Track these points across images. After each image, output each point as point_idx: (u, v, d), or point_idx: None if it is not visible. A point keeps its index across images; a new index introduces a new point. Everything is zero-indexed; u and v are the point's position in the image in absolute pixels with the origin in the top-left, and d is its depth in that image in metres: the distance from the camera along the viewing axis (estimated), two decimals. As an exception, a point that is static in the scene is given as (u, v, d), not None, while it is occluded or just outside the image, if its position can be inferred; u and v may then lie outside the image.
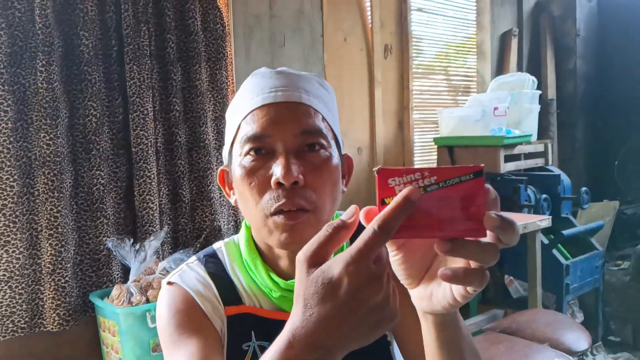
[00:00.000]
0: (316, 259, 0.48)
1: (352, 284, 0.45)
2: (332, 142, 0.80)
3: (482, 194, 0.47)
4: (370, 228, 0.46)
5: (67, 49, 2.08)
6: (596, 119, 4.48)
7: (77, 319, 2.09)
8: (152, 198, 2.22)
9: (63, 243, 2.02)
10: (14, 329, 2.00)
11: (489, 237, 0.48)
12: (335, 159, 0.79)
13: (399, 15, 3.49)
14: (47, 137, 2.00)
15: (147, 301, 1.96)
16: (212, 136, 2.43)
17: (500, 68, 4.16)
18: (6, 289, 1.99)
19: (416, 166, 3.55)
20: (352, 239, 0.49)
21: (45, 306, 2.05)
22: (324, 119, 0.79)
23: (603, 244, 3.60)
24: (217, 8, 2.43)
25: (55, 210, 2.01)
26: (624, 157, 4.35)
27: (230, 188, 0.85)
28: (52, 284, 2.01)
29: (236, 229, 2.55)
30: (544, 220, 2.72)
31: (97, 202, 2.14)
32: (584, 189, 3.30)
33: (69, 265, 2.05)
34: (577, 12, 4.31)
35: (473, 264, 0.49)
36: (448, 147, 3.35)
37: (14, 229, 1.99)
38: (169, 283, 0.86)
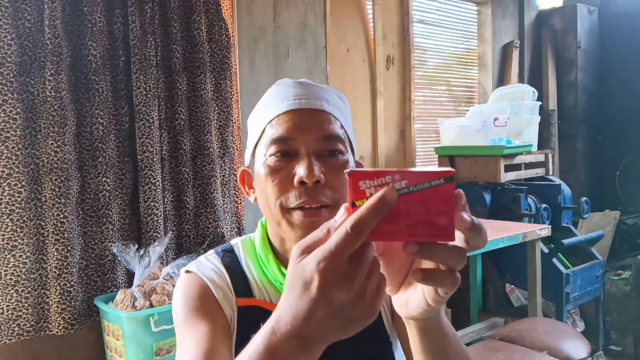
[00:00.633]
0: (305, 254, 0.50)
1: (321, 281, 0.46)
2: (348, 148, 0.86)
3: (451, 199, 0.47)
4: (343, 228, 0.46)
5: (75, 59, 2.14)
6: (597, 130, 4.51)
7: (82, 323, 2.12)
8: (156, 204, 2.26)
9: (69, 248, 2.06)
10: (20, 332, 2.04)
11: (458, 241, 0.49)
12: (351, 164, 0.85)
13: (401, 27, 3.55)
14: (55, 145, 2.05)
15: (151, 306, 1.99)
16: (216, 144, 2.48)
17: (501, 79, 4.20)
18: (12, 293, 2.02)
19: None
20: None
21: (50, 310, 2.08)
22: (342, 126, 0.86)
23: (604, 253, 3.61)
24: (222, 19, 2.48)
25: (61, 215, 2.05)
26: (625, 168, 4.37)
27: (250, 187, 0.92)
28: (58, 288, 2.05)
29: (239, 235, 2.57)
30: (543, 230, 2.74)
31: (102, 208, 2.18)
32: (584, 198, 3.33)
33: (74, 270, 2.09)
34: (578, 24, 4.35)
35: (442, 266, 0.50)
36: (449, 157, 3.39)
37: (21, 234, 2.04)
38: (187, 271, 0.91)
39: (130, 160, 2.28)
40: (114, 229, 2.21)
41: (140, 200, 2.25)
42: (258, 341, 0.51)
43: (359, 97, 3.30)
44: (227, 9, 2.58)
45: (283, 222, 0.81)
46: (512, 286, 3.32)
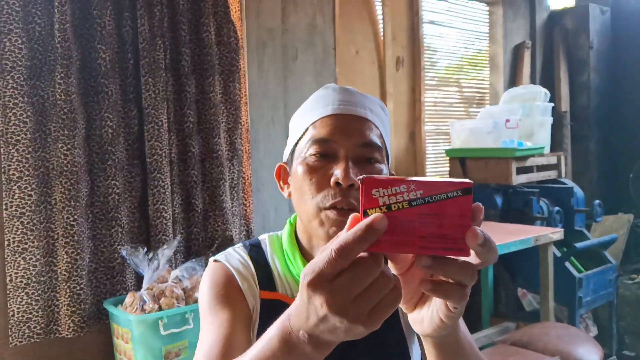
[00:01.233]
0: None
1: (309, 293, 0.47)
2: (385, 158, 0.89)
3: (469, 212, 0.46)
4: (330, 250, 0.46)
5: (84, 62, 2.14)
6: (610, 132, 4.46)
7: (91, 326, 2.13)
8: (165, 207, 2.26)
9: (79, 251, 2.07)
10: (30, 334, 2.05)
11: (471, 257, 0.49)
12: (385, 171, 0.89)
13: (410, 28, 3.53)
14: (65, 148, 2.05)
15: (160, 309, 1.99)
16: (225, 147, 2.47)
17: (513, 80, 4.17)
18: (23, 295, 2.03)
19: (428, 175, 3.56)
20: None
21: (60, 312, 2.09)
22: (381, 135, 0.89)
23: (617, 257, 3.57)
24: (231, 22, 2.48)
25: (71, 218, 2.06)
26: (639, 170, 4.31)
27: (285, 183, 0.95)
28: (68, 291, 2.05)
29: (248, 239, 2.57)
30: (556, 233, 2.71)
31: (112, 211, 2.18)
32: (597, 201, 3.29)
33: (84, 273, 2.09)
34: (590, 24, 4.31)
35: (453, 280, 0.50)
36: (460, 159, 3.36)
37: (31, 237, 2.04)
38: (215, 261, 0.95)
39: (139, 163, 2.28)
40: (123, 231, 2.21)
41: (149, 203, 2.25)
42: (274, 328, 0.54)
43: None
44: (235, 12, 2.58)
45: (315, 220, 0.84)
46: (524, 290, 3.29)
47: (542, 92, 3.56)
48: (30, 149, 2.04)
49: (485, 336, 2.83)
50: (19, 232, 2.02)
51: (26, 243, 2.03)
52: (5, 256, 2.01)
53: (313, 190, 0.84)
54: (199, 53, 2.40)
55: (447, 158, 3.50)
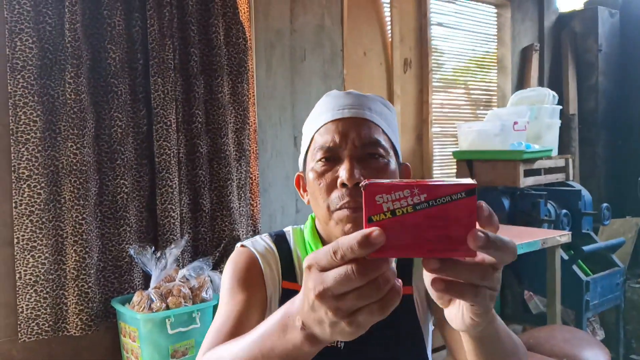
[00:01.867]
0: None
1: (305, 277, 0.50)
2: (391, 152, 0.93)
3: (473, 213, 0.46)
4: (329, 247, 0.47)
5: (94, 62, 2.16)
6: (618, 135, 4.43)
7: (99, 324, 2.14)
8: (173, 207, 2.27)
9: (87, 250, 2.08)
10: (39, 331, 2.06)
11: (480, 257, 0.49)
12: (393, 166, 0.92)
13: (418, 30, 3.53)
14: (74, 147, 2.07)
15: (167, 308, 2.00)
16: (233, 147, 2.48)
17: (520, 83, 4.16)
18: (32, 293, 2.04)
19: (435, 178, 3.56)
20: None
21: (68, 311, 2.10)
22: (383, 132, 0.92)
23: (624, 261, 3.55)
24: (240, 23, 2.49)
25: (80, 217, 2.07)
26: (647, 174, 4.29)
27: (305, 190, 0.99)
28: (76, 289, 2.07)
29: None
30: (563, 236, 2.70)
31: (120, 210, 2.19)
32: (604, 204, 3.27)
33: (92, 272, 2.10)
34: (599, 27, 4.29)
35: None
36: (467, 161, 3.36)
37: (40, 235, 2.06)
38: (241, 245, 1.00)
39: (148, 163, 2.29)
40: (131, 231, 2.22)
41: (157, 202, 2.26)
42: (280, 309, 0.57)
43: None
44: (244, 13, 2.59)
45: (330, 221, 0.89)
46: (531, 293, 3.28)
47: (550, 94, 3.55)
48: (40, 148, 2.05)
49: (492, 339, 2.82)
50: (28, 230, 2.04)
51: (35, 241, 2.05)
52: (15, 254, 2.03)
53: (323, 193, 0.89)
54: (208, 53, 2.41)
55: (455, 160, 3.50)
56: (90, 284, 2.09)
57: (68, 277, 2.09)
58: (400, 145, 1.00)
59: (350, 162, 0.86)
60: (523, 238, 2.54)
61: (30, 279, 2.04)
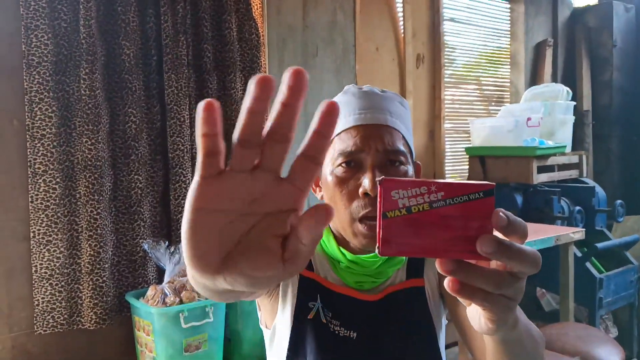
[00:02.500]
0: None
1: None
2: (409, 156, 0.93)
3: (490, 215, 0.44)
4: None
5: (109, 58, 2.17)
6: (632, 131, 4.39)
7: (113, 318, 2.16)
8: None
9: (102, 244, 2.10)
10: (54, 324, 2.09)
11: (496, 263, 0.47)
12: (411, 171, 0.93)
13: (431, 25, 3.51)
14: (89, 142, 2.08)
15: (181, 302, 2.02)
16: (246, 143, 2.49)
17: (534, 78, 4.12)
18: (47, 286, 2.07)
19: (447, 175, 3.54)
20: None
21: (83, 304, 2.12)
22: (403, 137, 0.93)
23: (639, 258, 3.52)
24: (253, 19, 2.49)
25: (95, 212, 2.09)
26: (662, 170, 4.25)
27: (317, 185, 1.00)
28: (91, 283, 2.09)
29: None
30: (577, 233, 2.68)
31: (134, 205, 2.21)
32: (619, 201, 3.24)
33: (106, 266, 2.12)
34: (613, 22, 4.24)
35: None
36: (480, 157, 3.34)
37: (56, 229, 2.08)
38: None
39: (162, 158, 2.31)
40: (145, 225, 2.24)
41: (171, 197, 2.28)
42: None
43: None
44: (257, 9, 2.59)
45: (349, 229, 0.89)
46: (543, 290, 3.26)
47: (564, 90, 3.52)
48: (55, 143, 2.07)
49: (504, 335, 2.81)
50: (44, 225, 2.06)
51: (50, 235, 2.07)
52: (31, 248, 2.05)
53: (345, 201, 0.89)
54: (221, 50, 2.42)
55: (467, 156, 3.48)
56: (104, 278, 2.11)
57: (83, 271, 2.11)
58: (413, 141, 1.01)
59: (372, 171, 0.87)
60: (536, 235, 2.53)
61: (45, 272, 2.07)
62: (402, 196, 0.45)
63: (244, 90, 2.49)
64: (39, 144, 2.05)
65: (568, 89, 3.56)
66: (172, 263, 2.08)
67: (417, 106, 3.41)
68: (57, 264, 2.09)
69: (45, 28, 2.03)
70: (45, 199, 2.06)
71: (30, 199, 2.05)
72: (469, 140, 3.58)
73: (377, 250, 0.46)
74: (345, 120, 0.93)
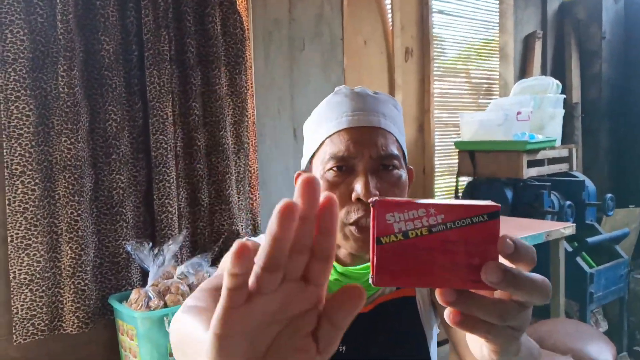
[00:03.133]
0: None
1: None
2: (402, 160, 0.90)
3: (495, 239, 0.40)
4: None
5: (88, 54, 2.10)
6: (621, 124, 4.38)
7: (96, 322, 2.10)
8: (171, 202, 2.22)
9: (83, 246, 2.04)
10: (34, 331, 2.02)
11: (501, 293, 0.43)
12: (404, 175, 0.89)
13: (419, 18, 3.46)
14: (68, 142, 2.02)
15: (165, 306, 1.96)
16: (231, 140, 2.43)
17: (523, 71, 4.10)
18: (27, 292, 2.00)
19: (436, 169, 3.50)
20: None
21: (65, 309, 2.06)
22: (396, 140, 0.89)
23: (628, 251, 3.52)
24: (237, 13, 2.43)
25: (75, 213, 2.02)
26: (651, 163, 4.25)
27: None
28: (72, 286, 2.03)
29: (254, 233, 2.54)
30: (567, 228, 2.66)
31: (116, 205, 2.15)
32: (608, 195, 3.23)
33: (88, 269, 2.06)
34: (602, 14, 4.22)
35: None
36: (469, 152, 3.31)
37: (35, 232, 2.01)
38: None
39: (144, 157, 2.24)
40: (128, 226, 2.18)
41: (155, 197, 2.22)
42: None
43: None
44: (241, 2, 2.52)
45: (339, 233, 0.86)
46: (534, 284, 3.24)
47: (554, 83, 3.49)
48: (33, 143, 2.00)
49: (494, 332, 2.79)
50: (22, 228, 1.99)
51: (30, 239, 2.01)
52: (9, 252, 1.98)
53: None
54: (205, 44, 2.35)
55: (457, 150, 3.45)
56: (86, 281, 2.05)
57: (64, 274, 2.05)
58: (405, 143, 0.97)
59: (365, 176, 0.83)
60: (526, 230, 2.51)
61: (25, 278, 2.00)
62: (397, 219, 0.41)
63: (229, 85, 2.43)
64: (15, 144, 1.98)
65: (558, 81, 3.54)
66: (155, 265, 2.03)
67: (406, 100, 3.37)
68: (37, 269, 2.02)
69: (20, 23, 1.95)
70: (24, 201, 1.99)
71: (7, 202, 1.98)
72: (459, 134, 3.54)
73: (370, 280, 0.42)
74: (336, 121, 0.89)
